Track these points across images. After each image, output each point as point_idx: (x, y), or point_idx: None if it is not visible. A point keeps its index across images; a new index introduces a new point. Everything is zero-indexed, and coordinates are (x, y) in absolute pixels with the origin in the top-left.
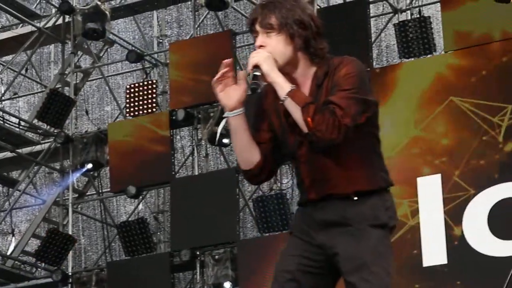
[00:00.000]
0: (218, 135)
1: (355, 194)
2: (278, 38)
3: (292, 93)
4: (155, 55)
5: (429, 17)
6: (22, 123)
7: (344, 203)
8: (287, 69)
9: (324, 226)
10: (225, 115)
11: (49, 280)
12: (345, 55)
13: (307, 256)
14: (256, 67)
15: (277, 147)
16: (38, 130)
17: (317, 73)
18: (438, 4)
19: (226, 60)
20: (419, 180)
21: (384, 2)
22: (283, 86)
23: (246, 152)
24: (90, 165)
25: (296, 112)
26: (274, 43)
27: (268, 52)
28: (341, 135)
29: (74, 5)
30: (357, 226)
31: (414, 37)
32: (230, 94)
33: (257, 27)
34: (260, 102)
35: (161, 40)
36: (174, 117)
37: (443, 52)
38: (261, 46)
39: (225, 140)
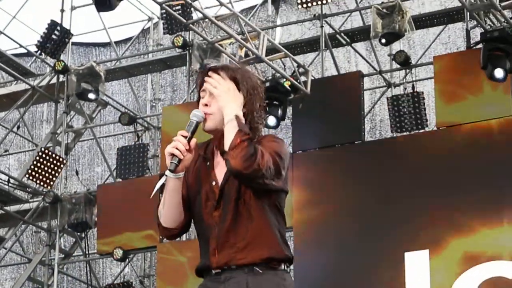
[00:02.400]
0: (155, 191)
1: (261, 262)
2: None
3: (239, 119)
4: (148, 119)
5: (422, 92)
6: (12, 180)
7: (248, 275)
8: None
9: None
10: (170, 175)
11: None
12: (339, 126)
13: None
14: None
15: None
16: (27, 189)
17: None
18: (432, 80)
19: (183, 133)
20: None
21: (378, 75)
22: (234, 110)
23: (176, 211)
24: None
25: (231, 131)
26: (218, 106)
27: (211, 112)
28: (249, 171)
29: (69, 65)
30: None
31: (407, 112)
32: (184, 159)
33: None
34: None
35: (154, 104)
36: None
37: (434, 128)
38: (205, 105)
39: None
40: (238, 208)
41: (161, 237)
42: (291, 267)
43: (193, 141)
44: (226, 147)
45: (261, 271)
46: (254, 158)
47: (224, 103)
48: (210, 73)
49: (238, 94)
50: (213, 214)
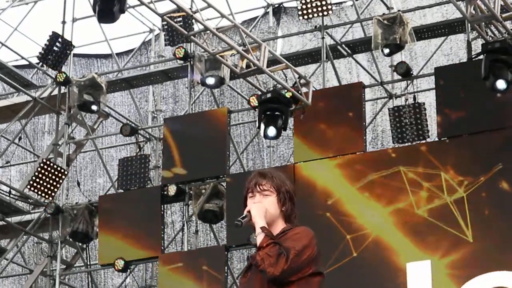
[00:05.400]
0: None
1: None
2: (272, 200)
3: (265, 229)
4: (149, 130)
5: (423, 103)
6: (13, 192)
7: None
8: (267, 225)
9: None
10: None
11: None
12: (341, 137)
13: None
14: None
15: None
16: (29, 200)
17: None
18: (433, 91)
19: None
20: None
21: (380, 86)
22: (259, 223)
23: None
24: None
25: (260, 237)
26: (267, 204)
27: None
28: (271, 275)
29: (70, 76)
30: None
31: (408, 123)
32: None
33: (256, 189)
34: None
35: (155, 115)
36: (165, 192)
37: (436, 139)
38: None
39: None
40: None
41: None
42: None
43: None
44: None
45: None
46: (276, 260)
47: (254, 218)
48: (259, 186)
49: (263, 207)
50: (242, 281)
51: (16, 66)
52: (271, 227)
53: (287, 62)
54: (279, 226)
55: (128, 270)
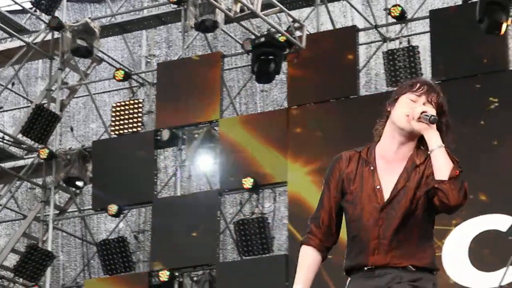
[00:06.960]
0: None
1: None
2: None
3: (447, 149)
4: (143, 75)
5: (417, 46)
6: (6, 137)
7: (402, 272)
8: (405, 138)
9: None
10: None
11: None
12: (334, 81)
13: None
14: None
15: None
16: (22, 145)
17: (417, 155)
18: (427, 34)
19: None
20: None
21: (374, 30)
22: (438, 138)
23: None
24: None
25: (445, 158)
26: None
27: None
28: (461, 204)
29: (63, 21)
30: None
31: (402, 66)
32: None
33: (426, 97)
34: (337, 165)
35: (149, 60)
36: (158, 137)
37: None
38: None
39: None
40: (407, 216)
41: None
42: None
43: None
44: (443, 176)
45: (414, 269)
46: (465, 191)
47: (430, 131)
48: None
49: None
50: (376, 216)
51: (9, 11)
52: (404, 143)
53: (281, 6)
54: (410, 147)
55: (121, 215)
